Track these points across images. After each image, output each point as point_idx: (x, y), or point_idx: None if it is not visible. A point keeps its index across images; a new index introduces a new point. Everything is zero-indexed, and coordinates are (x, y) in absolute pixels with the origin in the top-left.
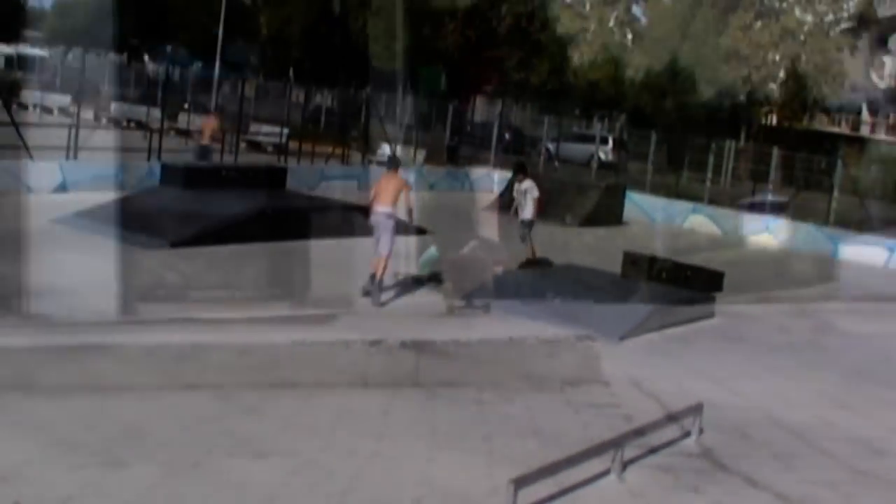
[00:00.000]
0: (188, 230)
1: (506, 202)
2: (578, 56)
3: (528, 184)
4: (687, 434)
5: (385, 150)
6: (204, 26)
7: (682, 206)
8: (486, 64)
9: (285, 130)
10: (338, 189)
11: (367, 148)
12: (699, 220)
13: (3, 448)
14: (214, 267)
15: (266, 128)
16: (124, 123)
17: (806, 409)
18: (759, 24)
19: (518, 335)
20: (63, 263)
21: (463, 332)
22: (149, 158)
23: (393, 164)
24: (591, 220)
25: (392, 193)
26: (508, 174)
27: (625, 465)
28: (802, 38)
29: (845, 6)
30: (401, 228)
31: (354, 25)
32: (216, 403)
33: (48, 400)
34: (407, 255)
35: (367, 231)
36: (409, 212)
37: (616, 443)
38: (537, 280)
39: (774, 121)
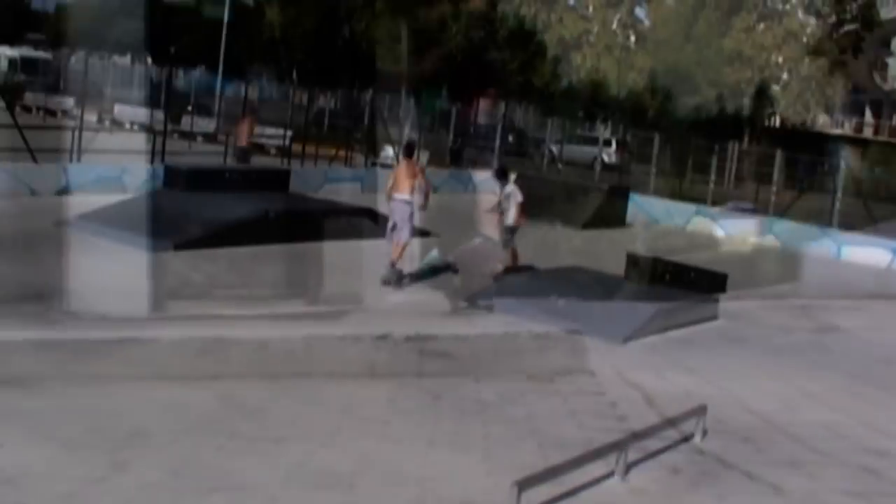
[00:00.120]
0: (191, 233)
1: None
2: (581, 58)
3: (510, 188)
4: (690, 436)
5: (388, 152)
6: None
7: (685, 207)
8: (490, 66)
9: (289, 133)
10: (341, 191)
11: (371, 150)
12: (702, 222)
13: (57, 430)
14: (220, 268)
15: (269, 130)
16: (127, 126)
17: (810, 411)
18: (762, 26)
19: (512, 330)
20: (67, 265)
21: (462, 328)
22: (152, 161)
23: (409, 151)
24: (595, 222)
25: (409, 180)
26: (513, 176)
27: (628, 467)
28: (805, 39)
29: (848, 8)
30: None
31: (357, 28)
32: (237, 392)
33: (87, 387)
34: (411, 256)
35: (371, 232)
36: (426, 195)
37: (619, 445)
38: (542, 282)
39: (778, 122)
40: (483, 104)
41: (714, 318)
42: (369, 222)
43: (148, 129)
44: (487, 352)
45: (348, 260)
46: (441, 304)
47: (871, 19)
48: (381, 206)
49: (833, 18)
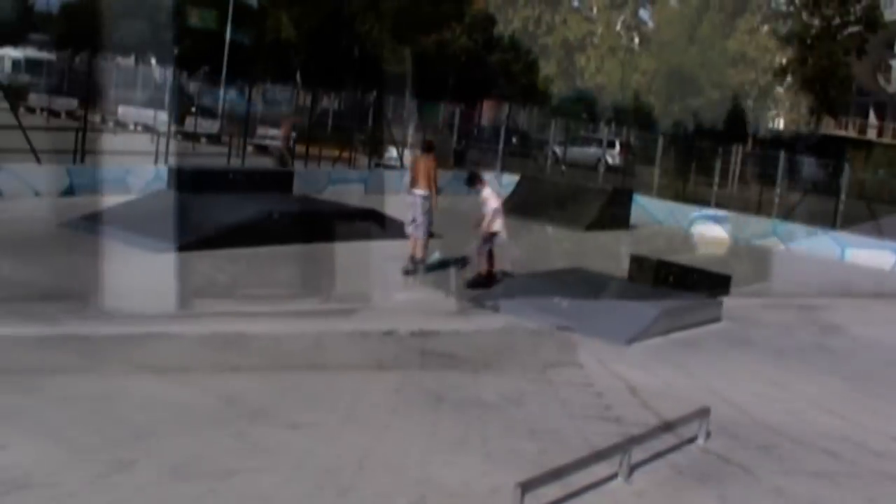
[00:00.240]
0: (195, 234)
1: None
2: (585, 60)
3: (486, 193)
4: (694, 438)
5: (392, 153)
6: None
7: (688, 209)
8: (494, 67)
9: (292, 134)
10: (345, 193)
11: (374, 152)
12: (706, 224)
13: (97, 422)
14: (229, 269)
15: (273, 131)
16: (131, 127)
17: (814, 414)
18: (765, 27)
19: (508, 326)
20: (77, 266)
21: (462, 325)
22: (156, 162)
23: (428, 147)
24: (599, 224)
25: (427, 175)
26: (516, 177)
27: (632, 469)
28: (809, 41)
29: (852, 10)
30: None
31: (361, 29)
32: (256, 383)
33: (121, 378)
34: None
35: (374, 233)
36: (435, 189)
37: (623, 446)
38: (546, 283)
39: (781, 124)
40: (487, 106)
41: (718, 319)
42: (373, 223)
43: (152, 130)
44: (485, 346)
45: (353, 260)
46: (445, 302)
47: (874, 21)
48: (384, 207)
49: (837, 20)
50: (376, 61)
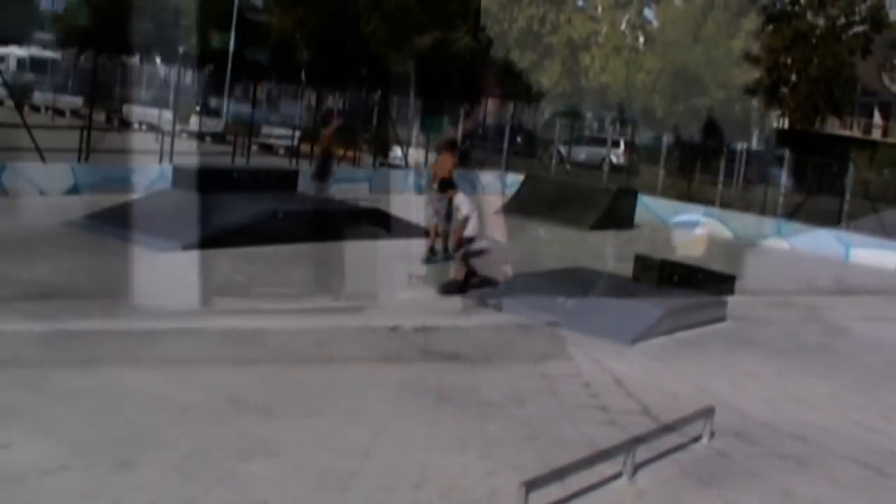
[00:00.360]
0: (199, 233)
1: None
2: (590, 59)
3: (458, 199)
4: (698, 438)
5: (396, 152)
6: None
7: (693, 209)
8: (498, 66)
9: (297, 133)
10: (350, 192)
11: (379, 151)
12: (711, 224)
13: (137, 409)
14: (232, 268)
15: (278, 130)
16: (136, 126)
17: (819, 413)
18: (770, 27)
19: (503, 322)
20: (77, 264)
21: (462, 321)
22: (160, 161)
23: (450, 145)
24: (603, 224)
25: (447, 171)
26: (520, 177)
27: (636, 469)
28: (814, 41)
29: (857, 10)
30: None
31: (366, 28)
32: (274, 374)
33: (152, 370)
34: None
35: (379, 232)
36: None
37: (627, 446)
38: (550, 282)
39: (786, 124)
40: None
41: (722, 319)
42: (377, 222)
43: (157, 129)
44: (482, 340)
45: (358, 259)
46: (447, 301)
47: (880, 21)
48: (389, 206)
49: (842, 20)
50: (381, 61)
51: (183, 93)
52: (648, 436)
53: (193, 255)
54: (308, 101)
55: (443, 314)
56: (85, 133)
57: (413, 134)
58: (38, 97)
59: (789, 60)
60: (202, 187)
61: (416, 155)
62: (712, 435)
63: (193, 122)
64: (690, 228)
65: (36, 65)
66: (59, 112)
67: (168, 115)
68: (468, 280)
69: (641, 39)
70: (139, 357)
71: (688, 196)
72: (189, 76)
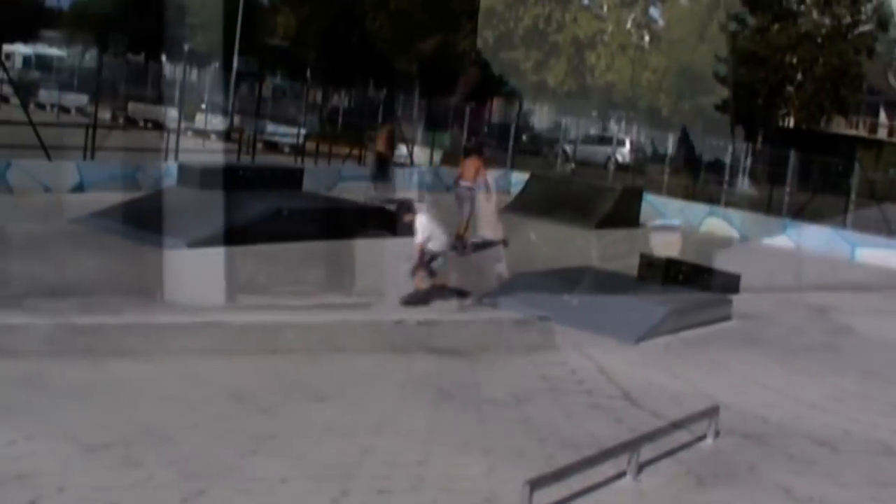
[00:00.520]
0: (205, 231)
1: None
2: (596, 57)
3: (418, 223)
4: (703, 437)
5: (402, 150)
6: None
7: (698, 208)
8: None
9: (302, 131)
10: (355, 190)
11: None
12: (716, 223)
13: (176, 394)
14: (238, 265)
15: (283, 128)
16: (141, 123)
17: (824, 412)
18: (776, 26)
19: (498, 317)
20: (84, 261)
21: (462, 316)
22: (166, 158)
23: (475, 148)
24: (608, 223)
25: (472, 171)
26: (525, 175)
27: (640, 468)
28: (820, 40)
29: (863, 9)
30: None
31: (372, 26)
32: (290, 364)
33: (182, 358)
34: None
35: (384, 231)
36: (486, 184)
37: (632, 445)
38: (555, 282)
39: (792, 123)
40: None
41: (727, 318)
42: (383, 221)
43: (162, 126)
44: (480, 334)
45: (363, 256)
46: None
47: (886, 20)
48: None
49: (848, 19)
50: (386, 59)
51: (188, 90)
52: (653, 435)
53: (196, 253)
54: (313, 99)
55: (443, 310)
56: (90, 130)
57: (418, 133)
58: (44, 95)
59: (795, 60)
60: (207, 185)
61: (421, 154)
62: (717, 434)
63: (199, 120)
64: (668, 231)
65: (41, 62)
66: (64, 109)
67: (173, 112)
68: (432, 292)
69: (647, 38)
70: (172, 348)
71: (693, 195)
72: (194, 74)
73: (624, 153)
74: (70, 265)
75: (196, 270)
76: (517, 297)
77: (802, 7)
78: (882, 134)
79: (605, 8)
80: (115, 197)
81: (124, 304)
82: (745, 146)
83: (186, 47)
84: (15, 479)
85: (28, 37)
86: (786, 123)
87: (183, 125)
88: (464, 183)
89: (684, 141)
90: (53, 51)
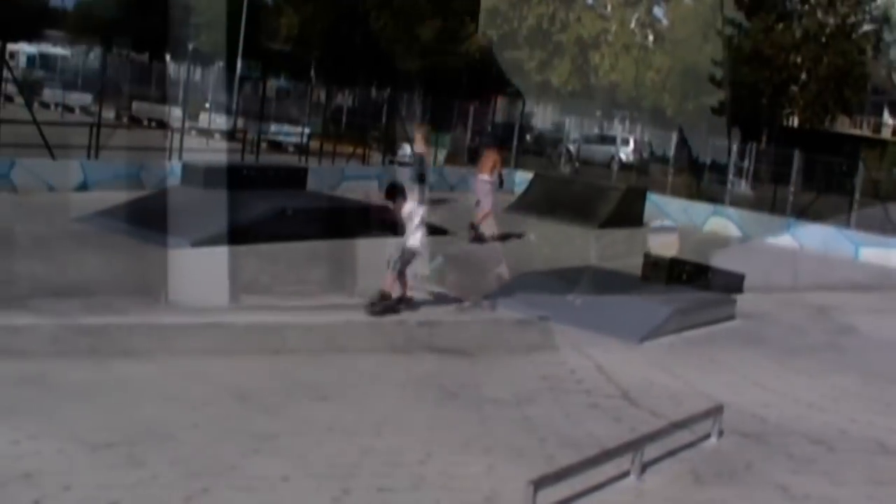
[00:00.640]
0: (209, 230)
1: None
2: (600, 57)
3: (409, 207)
4: (707, 436)
5: (406, 150)
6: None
7: (702, 207)
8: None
9: (306, 130)
10: (359, 189)
11: (388, 149)
12: (720, 223)
13: (180, 393)
14: (242, 265)
15: (287, 127)
16: (145, 123)
17: (826, 411)
18: (780, 25)
19: (498, 317)
20: (88, 260)
21: (462, 316)
22: (170, 158)
23: (494, 142)
24: (612, 222)
25: (490, 165)
26: (530, 175)
27: (644, 467)
28: (824, 40)
29: (868, 8)
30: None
31: (375, 25)
32: (293, 363)
33: (187, 358)
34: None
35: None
36: (500, 176)
37: (635, 444)
38: (559, 282)
39: (796, 123)
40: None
41: (731, 317)
42: (386, 220)
43: (166, 126)
44: (481, 334)
45: (366, 256)
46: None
47: (890, 19)
48: None
49: (852, 18)
50: (390, 58)
51: (192, 90)
52: (657, 434)
53: (200, 253)
54: (317, 98)
55: (444, 310)
56: (94, 130)
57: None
58: (48, 94)
59: (799, 59)
60: (210, 184)
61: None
62: (721, 434)
63: (203, 120)
64: (666, 232)
65: (45, 61)
66: (68, 108)
67: (177, 111)
68: (399, 301)
69: (651, 38)
70: (152, 350)
71: (697, 194)
72: (198, 73)
73: (628, 153)
74: (74, 265)
75: (200, 270)
76: (519, 297)
77: (806, 7)
78: (886, 133)
79: (609, 7)
80: (119, 196)
81: (128, 305)
82: (746, 146)
83: (190, 47)
84: (19, 478)
85: (32, 36)
86: (790, 123)
87: (187, 124)
88: (481, 176)
89: (683, 141)
90: (58, 50)
